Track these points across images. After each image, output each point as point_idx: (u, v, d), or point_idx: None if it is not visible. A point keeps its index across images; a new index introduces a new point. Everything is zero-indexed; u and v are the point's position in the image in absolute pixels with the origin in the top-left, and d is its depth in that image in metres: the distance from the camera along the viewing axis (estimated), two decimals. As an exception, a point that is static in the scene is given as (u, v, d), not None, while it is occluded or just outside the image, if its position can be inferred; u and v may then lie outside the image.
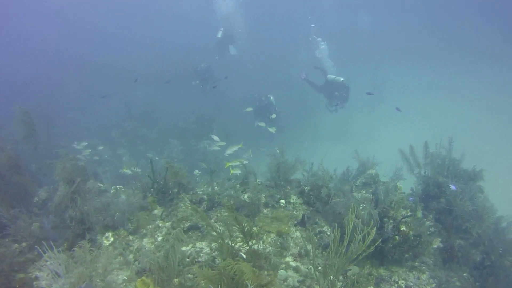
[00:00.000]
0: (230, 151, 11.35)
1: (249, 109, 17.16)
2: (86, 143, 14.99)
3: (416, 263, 7.00)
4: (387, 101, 28.36)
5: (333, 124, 26.29)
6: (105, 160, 14.75)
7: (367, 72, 33.21)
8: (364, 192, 9.55)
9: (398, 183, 9.72)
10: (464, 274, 6.94)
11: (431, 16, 44.97)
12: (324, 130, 26.62)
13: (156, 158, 16.59)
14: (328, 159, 9.90)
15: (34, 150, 9.53)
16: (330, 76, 18.36)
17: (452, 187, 8.10)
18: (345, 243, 5.36)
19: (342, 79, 17.68)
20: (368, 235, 5.28)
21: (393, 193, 8.67)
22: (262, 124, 19.37)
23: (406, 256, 6.86)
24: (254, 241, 5.75)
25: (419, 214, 8.58)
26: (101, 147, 14.55)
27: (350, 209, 5.73)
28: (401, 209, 7.57)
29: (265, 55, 35.20)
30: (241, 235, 5.68)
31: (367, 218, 6.70)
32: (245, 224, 5.58)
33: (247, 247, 5.76)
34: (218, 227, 6.62)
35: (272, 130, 17.24)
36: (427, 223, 8.34)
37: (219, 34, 27.23)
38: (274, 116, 19.37)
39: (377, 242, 5.86)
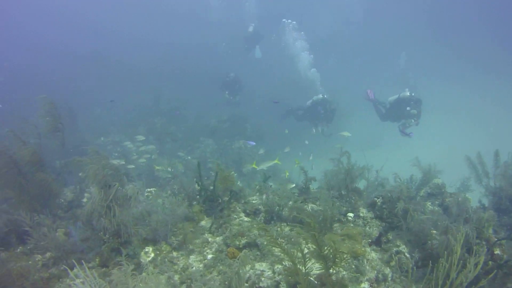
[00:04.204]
0: (264, 166, 10.30)
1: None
2: (144, 138, 13.92)
3: (503, 291, 5.82)
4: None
5: (360, 131, 25.07)
6: (133, 159, 13.65)
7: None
8: (429, 203, 8.34)
9: (467, 195, 8.64)
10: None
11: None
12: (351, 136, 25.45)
13: (189, 157, 15.62)
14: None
15: (61, 146, 8.53)
16: (392, 98, 16.47)
17: None
18: (452, 275, 4.34)
19: (408, 93, 15.70)
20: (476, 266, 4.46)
21: (465, 206, 7.59)
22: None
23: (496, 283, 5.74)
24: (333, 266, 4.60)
25: (490, 230, 7.39)
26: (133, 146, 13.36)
27: (458, 235, 4.60)
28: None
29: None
30: (318, 259, 4.56)
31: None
32: (327, 247, 4.42)
33: (322, 271, 4.65)
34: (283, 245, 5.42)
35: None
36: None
37: (251, 29, 26.33)
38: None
39: (491, 274, 4.78)
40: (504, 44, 39.65)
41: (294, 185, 8.00)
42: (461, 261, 4.46)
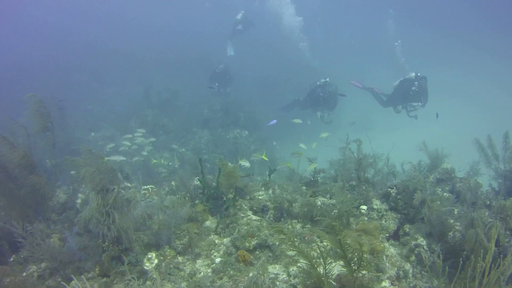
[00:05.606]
0: (253, 158, 10.18)
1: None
2: (144, 131, 13.50)
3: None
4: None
5: (352, 113, 24.76)
6: (126, 152, 13.14)
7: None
8: (439, 189, 7.95)
9: (477, 179, 8.31)
10: None
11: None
12: (343, 119, 25.14)
13: (183, 149, 15.17)
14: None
15: (51, 147, 8.06)
16: (396, 82, 16.02)
17: None
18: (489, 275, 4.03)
19: (413, 74, 15.14)
20: None
21: (477, 191, 7.56)
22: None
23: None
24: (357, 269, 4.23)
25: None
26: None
27: (492, 231, 4.27)
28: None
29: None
30: (337, 260, 4.19)
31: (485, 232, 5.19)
32: (353, 251, 4.04)
33: (342, 272, 4.39)
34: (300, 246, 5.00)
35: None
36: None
37: (239, 16, 25.68)
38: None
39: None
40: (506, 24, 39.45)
41: (317, 164, 7.55)
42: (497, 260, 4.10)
